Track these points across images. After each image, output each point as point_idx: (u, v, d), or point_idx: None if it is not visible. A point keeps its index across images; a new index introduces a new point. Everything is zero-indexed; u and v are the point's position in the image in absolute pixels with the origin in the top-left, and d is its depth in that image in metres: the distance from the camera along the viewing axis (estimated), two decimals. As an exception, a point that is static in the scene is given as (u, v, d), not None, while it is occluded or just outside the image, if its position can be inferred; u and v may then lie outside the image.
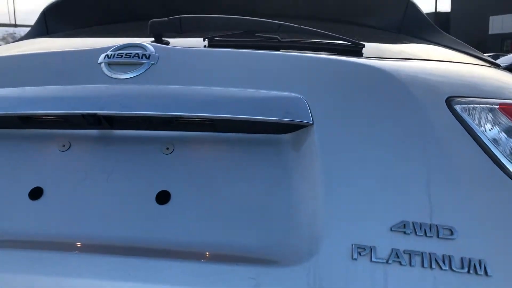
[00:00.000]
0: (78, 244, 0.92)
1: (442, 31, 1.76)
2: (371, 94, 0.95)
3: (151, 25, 1.15)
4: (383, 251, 0.81)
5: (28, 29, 2.00)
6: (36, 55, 1.15)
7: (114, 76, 1.01)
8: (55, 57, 1.12)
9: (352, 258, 0.81)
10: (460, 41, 1.66)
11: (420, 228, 0.83)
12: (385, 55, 1.17)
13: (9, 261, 0.87)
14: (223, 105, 0.95)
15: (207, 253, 0.88)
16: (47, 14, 1.93)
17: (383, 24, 1.73)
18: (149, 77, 1.01)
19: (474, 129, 0.91)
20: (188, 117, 0.97)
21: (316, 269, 0.80)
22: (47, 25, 1.89)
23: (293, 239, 0.87)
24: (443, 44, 1.59)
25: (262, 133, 0.99)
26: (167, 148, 1.00)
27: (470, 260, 0.81)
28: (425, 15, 1.84)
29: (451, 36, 1.73)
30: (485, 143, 0.89)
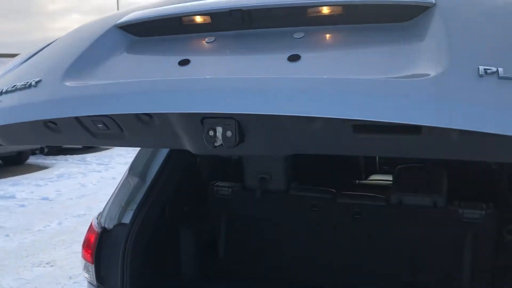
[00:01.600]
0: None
1: None
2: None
3: None
4: (509, 71, 0.88)
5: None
6: None
7: None
8: None
9: (479, 75, 0.88)
10: None
11: None
12: None
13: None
14: None
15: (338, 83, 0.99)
16: None
17: None
18: None
19: None
20: (319, 4, 1.14)
21: (444, 82, 0.89)
22: None
23: (423, 62, 0.97)
24: None
25: (386, 22, 1.12)
26: (299, 34, 1.17)
27: None
28: None
29: None
30: None
